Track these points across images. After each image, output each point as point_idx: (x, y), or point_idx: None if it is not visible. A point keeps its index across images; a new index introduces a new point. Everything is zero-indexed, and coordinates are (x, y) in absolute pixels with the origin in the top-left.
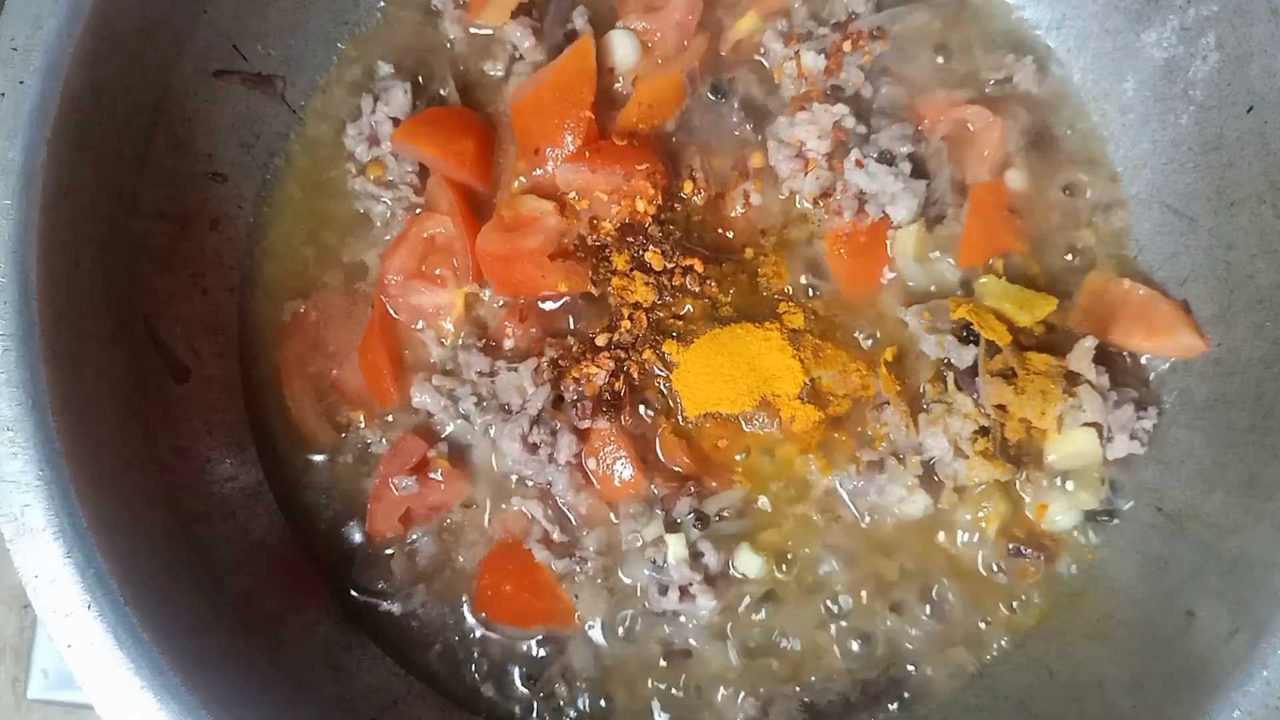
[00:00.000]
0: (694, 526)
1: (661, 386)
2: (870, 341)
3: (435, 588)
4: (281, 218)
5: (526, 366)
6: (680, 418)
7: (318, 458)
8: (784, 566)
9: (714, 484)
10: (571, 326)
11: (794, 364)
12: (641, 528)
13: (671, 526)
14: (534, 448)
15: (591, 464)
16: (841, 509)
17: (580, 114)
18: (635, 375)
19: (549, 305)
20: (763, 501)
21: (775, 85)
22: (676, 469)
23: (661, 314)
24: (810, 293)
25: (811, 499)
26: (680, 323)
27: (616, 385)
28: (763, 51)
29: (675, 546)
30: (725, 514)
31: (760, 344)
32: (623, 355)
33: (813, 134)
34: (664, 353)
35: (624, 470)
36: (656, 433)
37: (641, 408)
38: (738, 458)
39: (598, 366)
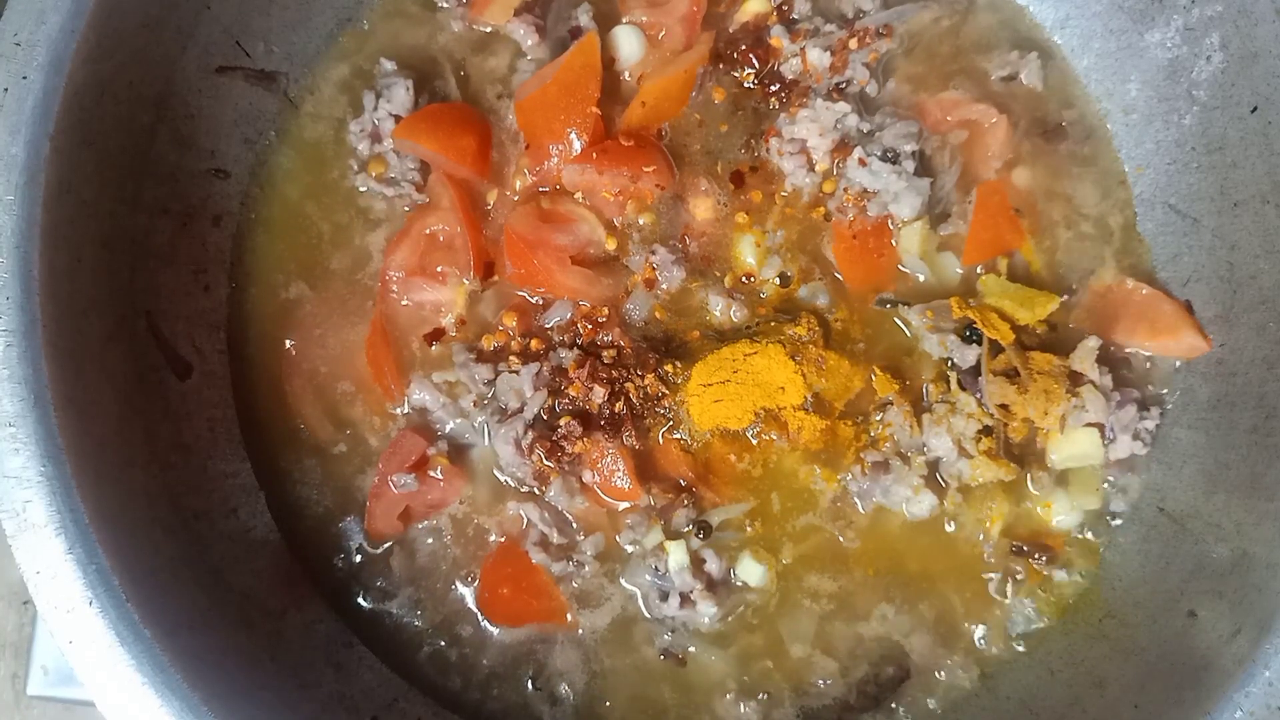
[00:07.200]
0: (696, 536)
1: (662, 406)
2: (871, 341)
3: (435, 586)
4: (283, 214)
5: (528, 371)
6: (687, 434)
7: (318, 455)
8: (786, 571)
9: (714, 495)
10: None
11: (796, 378)
12: (641, 537)
13: (671, 536)
14: (528, 452)
15: (588, 476)
16: (847, 512)
17: (586, 110)
18: (635, 399)
19: (554, 320)
20: (767, 510)
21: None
22: (678, 481)
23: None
24: (814, 294)
25: (817, 505)
26: (680, 343)
27: (617, 407)
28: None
29: (676, 553)
30: (729, 524)
31: (761, 359)
32: (624, 374)
33: (814, 131)
34: (665, 373)
35: (620, 482)
36: (656, 447)
37: (643, 423)
38: (741, 467)
39: (598, 384)
